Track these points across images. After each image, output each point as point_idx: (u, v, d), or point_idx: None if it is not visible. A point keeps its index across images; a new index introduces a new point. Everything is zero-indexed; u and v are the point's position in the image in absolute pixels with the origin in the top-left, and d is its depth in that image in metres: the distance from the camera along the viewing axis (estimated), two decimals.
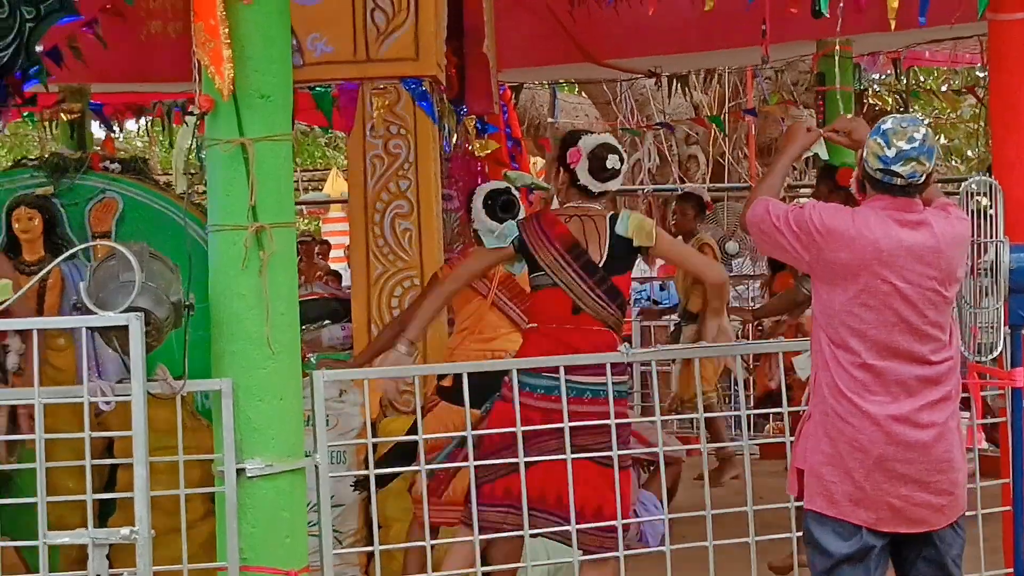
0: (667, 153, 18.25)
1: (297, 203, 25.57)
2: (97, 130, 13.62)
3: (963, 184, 6.07)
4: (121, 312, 4.83)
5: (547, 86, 16.74)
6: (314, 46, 7.72)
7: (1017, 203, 6.07)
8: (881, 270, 4.88)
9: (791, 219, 5.02)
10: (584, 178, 6.31)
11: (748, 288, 14.33)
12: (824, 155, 5.79)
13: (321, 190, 24.57)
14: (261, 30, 5.14)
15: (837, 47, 10.96)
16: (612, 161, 6.27)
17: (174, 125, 12.44)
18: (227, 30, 4.98)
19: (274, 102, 5.17)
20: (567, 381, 6.05)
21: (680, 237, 9.99)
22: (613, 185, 6.38)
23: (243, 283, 5.13)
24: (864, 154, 4.94)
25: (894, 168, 4.85)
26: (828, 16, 7.11)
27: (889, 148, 4.85)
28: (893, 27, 6.10)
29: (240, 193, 5.11)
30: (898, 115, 5.04)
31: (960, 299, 5.94)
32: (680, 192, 11.62)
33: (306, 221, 28.91)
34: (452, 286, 6.53)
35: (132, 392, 4.90)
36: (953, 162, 24.95)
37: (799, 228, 5.00)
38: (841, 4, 6.56)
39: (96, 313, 4.85)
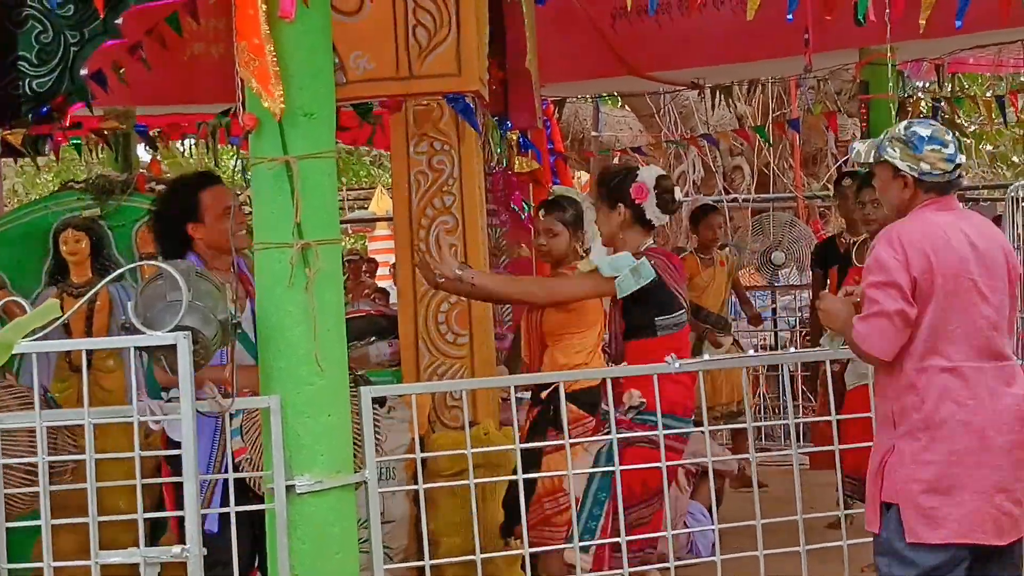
0: (711, 164, 18.21)
1: (343, 221, 25.84)
2: (143, 152, 13.68)
3: (1008, 189, 6.04)
4: (169, 331, 4.85)
5: (590, 100, 16.76)
6: (356, 63, 7.74)
7: None
8: (963, 269, 4.96)
9: (898, 306, 5.00)
10: (652, 213, 6.34)
11: (795, 298, 14.28)
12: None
13: (367, 208, 24.64)
14: (304, 48, 5.16)
15: (888, 53, 10.89)
16: (677, 192, 6.33)
17: (219, 145, 12.49)
18: (272, 48, 5.00)
19: (318, 119, 5.18)
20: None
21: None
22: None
23: (290, 300, 5.14)
24: (917, 166, 4.97)
25: (959, 161, 4.95)
26: (867, 24, 7.13)
27: (947, 147, 4.93)
28: (923, 29, 6.06)
29: (285, 211, 5.12)
30: (914, 120, 5.14)
31: None
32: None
33: (352, 240, 29.01)
34: (545, 300, 6.57)
35: (181, 410, 4.92)
36: (999, 168, 24.83)
37: (907, 304, 4.99)
38: (888, 11, 6.52)
39: (144, 333, 4.87)
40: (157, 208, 6.41)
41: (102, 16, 7.55)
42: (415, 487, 6.00)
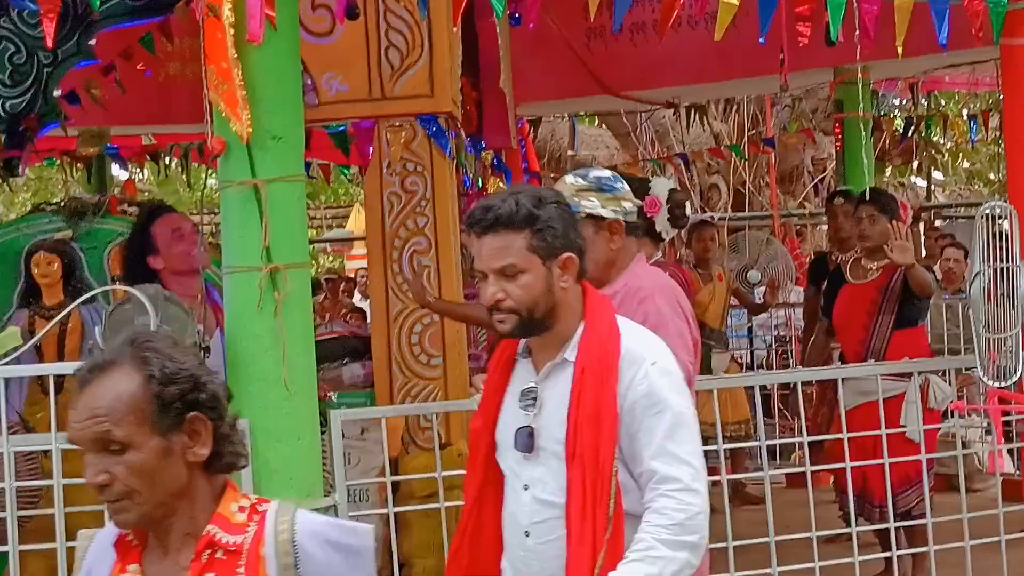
0: (688, 183, 18.23)
1: (322, 240, 25.86)
2: (123, 173, 13.67)
3: (980, 208, 6.05)
4: None
5: (566, 119, 16.76)
6: (329, 85, 7.73)
7: None
8: None
9: None
10: (663, 226, 6.32)
11: (771, 316, 14.27)
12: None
13: (344, 227, 24.61)
14: (272, 71, 5.16)
15: (860, 73, 10.91)
16: (687, 206, 6.30)
17: (193, 164, 12.48)
18: (240, 72, 5.00)
19: (286, 143, 5.19)
20: None
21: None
22: None
23: (259, 324, 5.13)
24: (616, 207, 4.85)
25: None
26: (841, 43, 7.13)
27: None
28: (901, 54, 6.07)
29: (254, 235, 5.12)
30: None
31: (978, 324, 5.92)
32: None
33: (331, 259, 28.99)
34: None
35: None
36: (976, 186, 24.89)
37: None
38: (856, 33, 6.53)
39: None
40: (124, 251, 6.45)
41: (51, 46, 7.49)
42: (384, 511, 5.99)
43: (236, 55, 4.97)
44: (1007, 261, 5.87)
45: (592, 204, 4.77)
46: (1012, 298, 5.85)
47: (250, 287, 5.12)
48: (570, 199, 4.63)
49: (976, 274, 5.91)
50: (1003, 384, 5.89)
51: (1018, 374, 5.86)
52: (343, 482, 5.53)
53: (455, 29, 7.56)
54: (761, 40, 6.04)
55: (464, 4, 7.38)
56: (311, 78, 7.70)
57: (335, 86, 7.75)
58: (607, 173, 4.93)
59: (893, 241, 7.70)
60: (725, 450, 6.81)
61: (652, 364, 3.85)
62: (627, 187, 4.88)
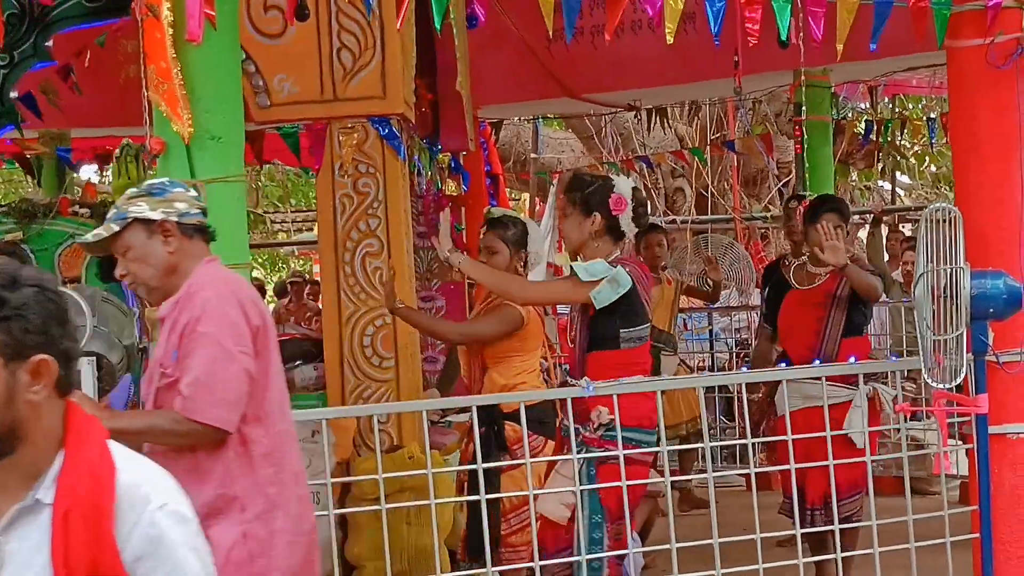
0: (651, 187, 18.24)
1: (288, 243, 25.80)
2: (93, 174, 13.62)
3: (924, 211, 6.05)
4: None
5: (530, 121, 16.77)
6: (281, 86, 7.73)
7: (978, 229, 6.06)
8: None
9: None
10: (627, 225, 6.33)
11: (732, 319, 14.32)
12: None
13: (313, 230, 24.57)
14: (211, 71, 5.15)
15: (804, 77, 10.95)
16: (648, 206, 6.33)
17: (145, 164, 12.43)
18: (179, 71, 4.99)
19: (225, 143, 5.18)
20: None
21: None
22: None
23: None
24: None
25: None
26: (798, 46, 7.13)
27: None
28: (839, 56, 6.08)
29: None
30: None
31: (923, 325, 5.93)
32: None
33: (301, 262, 28.94)
34: (520, 299, 6.58)
35: None
36: (942, 188, 24.95)
37: None
38: (801, 34, 6.53)
39: None
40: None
41: None
42: (324, 512, 5.96)
43: (175, 55, 4.96)
44: (952, 263, 5.88)
45: (140, 208, 4.59)
46: (956, 299, 5.85)
47: None
48: (120, 209, 4.60)
49: (920, 275, 5.91)
50: (947, 385, 5.89)
51: (962, 375, 5.86)
52: None
53: (400, 28, 7.54)
54: (716, 42, 6.01)
55: (412, 5, 7.41)
56: (262, 79, 7.69)
57: (286, 87, 7.75)
58: (163, 180, 4.76)
59: (824, 242, 7.71)
60: (676, 452, 6.85)
61: (160, 507, 2.81)
62: (185, 189, 4.69)
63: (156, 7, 4.94)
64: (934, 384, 5.94)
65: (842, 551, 6.59)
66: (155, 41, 5.01)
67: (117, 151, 8.04)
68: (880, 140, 14.66)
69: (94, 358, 4.83)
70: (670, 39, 6.07)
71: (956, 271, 5.86)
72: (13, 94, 8.95)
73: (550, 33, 6.35)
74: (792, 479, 6.27)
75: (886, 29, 6.23)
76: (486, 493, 6.08)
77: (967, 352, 5.90)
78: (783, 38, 6.27)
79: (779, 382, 7.79)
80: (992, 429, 6.08)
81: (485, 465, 6.10)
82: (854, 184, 21.88)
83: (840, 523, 6.52)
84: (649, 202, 18.13)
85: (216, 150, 5.15)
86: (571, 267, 6.47)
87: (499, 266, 7.23)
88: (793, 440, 6.38)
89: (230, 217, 5.18)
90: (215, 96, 5.15)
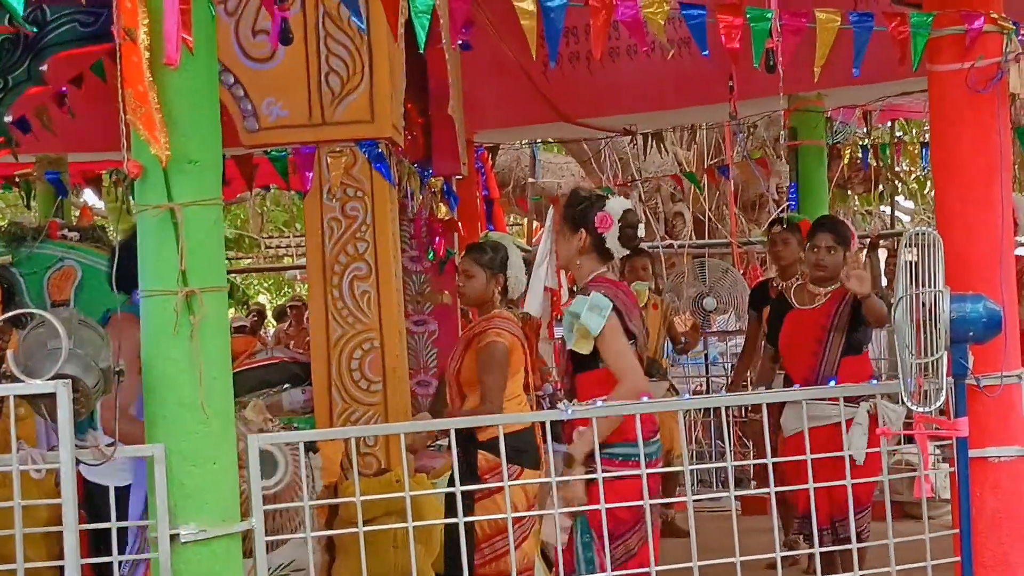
0: (649, 212, 18.22)
1: (291, 268, 25.82)
2: (95, 199, 13.62)
3: (904, 234, 6.07)
4: (48, 379, 4.83)
5: (527, 146, 16.76)
6: (269, 110, 7.74)
7: (959, 253, 6.07)
8: None
9: None
10: (612, 244, 6.31)
11: (728, 344, 14.31)
12: None
13: None
14: (188, 95, 5.16)
15: (783, 104, 10.95)
16: (640, 228, 6.31)
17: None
18: (156, 96, 5.00)
19: (203, 167, 5.18)
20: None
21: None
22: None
23: (175, 348, 5.13)
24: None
25: None
26: (786, 71, 7.14)
27: None
28: (817, 78, 6.09)
29: (170, 258, 5.12)
30: None
31: (903, 349, 5.94)
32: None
33: (302, 286, 28.97)
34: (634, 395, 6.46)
35: (61, 459, 4.90)
36: None
37: None
38: (780, 58, 6.54)
39: (21, 381, 4.84)
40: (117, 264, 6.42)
41: None
42: (302, 535, 5.97)
43: (152, 78, 4.97)
44: (932, 286, 5.89)
45: None
46: (936, 323, 5.86)
47: (166, 310, 5.11)
48: None
49: (899, 299, 5.92)
50: (927, 409, 5.89)
51: (942, 399, 5.87)
52: (260, 507, 5.50)
53: (397, 43, 7.57)
54: (704, 52, 6.02)
55: (402, 31, 7.42)
56: (251, 103, 7.71)
57: (275, 111, 7.76)
58: None
59: (851, 270, 7.72)
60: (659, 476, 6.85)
61: None
62: None
63: (133, 31, 4.95)
64: (914, 408, 5.95)
65: (848, 569, 6.59)
66: (132, 65, 5.01)
67: (104, 174, 8.04)
68: (880, 164, 14.67)
69: (69, 381, 4.82)
70: (661, 36, 6.03)
71: (936, 294, 5.88)
72: (7, 118, 8.99)
73: (533, 58, 6.34)
74: (772, 499, 6.24)
75: (879, 53, 6.26)
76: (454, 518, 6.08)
77: (947, 376, 5.91)
78: (756, 64, 6.29)
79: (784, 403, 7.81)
80: (973, 452, 6.09)
81: (463, 488, 6.09)
82: (856, 209, 21.87)
83: (844, 542, 6.51)
84: (648, 226, 18.24)
85: (193, 173, 5.15)
86: (588, 328, 6.31)
87: (475, 290, 7.30)
88: (799, 462, 6.37)
89: (207, 240, 5.19)
90: (192, 119, 5.17)
